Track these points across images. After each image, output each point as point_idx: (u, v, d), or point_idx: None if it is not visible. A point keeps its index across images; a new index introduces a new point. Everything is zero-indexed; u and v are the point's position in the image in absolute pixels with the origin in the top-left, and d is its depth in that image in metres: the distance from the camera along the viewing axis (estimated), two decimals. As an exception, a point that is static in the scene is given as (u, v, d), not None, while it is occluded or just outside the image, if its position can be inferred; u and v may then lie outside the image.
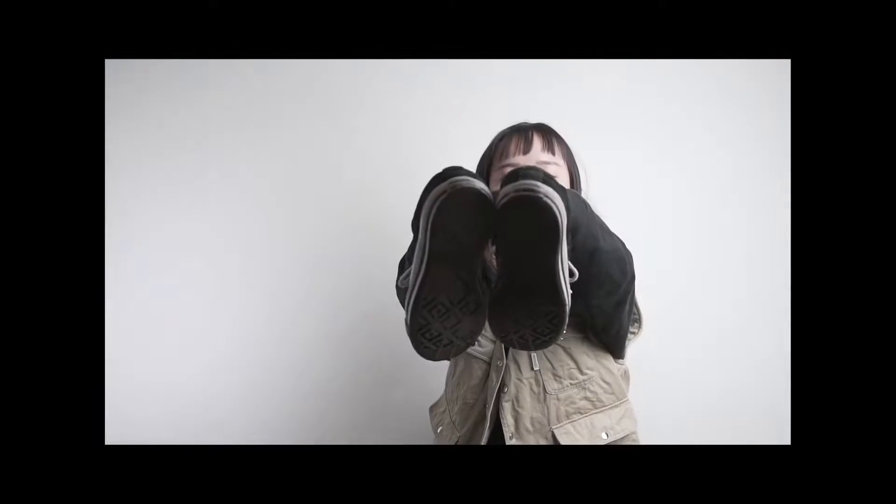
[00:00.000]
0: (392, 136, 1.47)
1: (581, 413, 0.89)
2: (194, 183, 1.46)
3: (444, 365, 1.07)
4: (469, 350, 0.96)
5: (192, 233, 1.44)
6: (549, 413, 0.89)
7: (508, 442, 0.88)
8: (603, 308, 0.86)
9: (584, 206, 0.74)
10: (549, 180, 0.62)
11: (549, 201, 0.60)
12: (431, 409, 1.07)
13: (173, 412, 1.38)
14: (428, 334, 0.70)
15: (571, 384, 0.90)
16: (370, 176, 1.46)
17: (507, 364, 0.91)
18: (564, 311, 0.66)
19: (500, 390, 0.91)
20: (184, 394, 1.39)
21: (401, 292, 0.75)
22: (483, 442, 0.90)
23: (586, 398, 0.90)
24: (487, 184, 0.85)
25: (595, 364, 0.92)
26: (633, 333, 0.97)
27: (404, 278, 0.69)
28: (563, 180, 0.96)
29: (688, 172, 1.44)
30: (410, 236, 0.72)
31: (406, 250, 0.80)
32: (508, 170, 0.94)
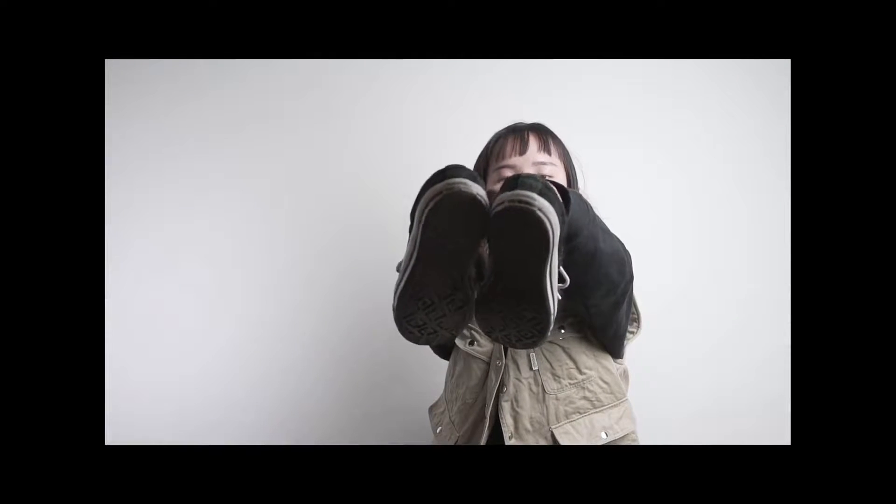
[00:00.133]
0: (391, 135, 1.47)
1: (580, 413, 0.89)
2: (194, 183, 1.46)
3: (444, 365, 1.07)
4: (468, 350, 0.97)
5: (192, 233, 1.44)
6: (548, 413, 0.89)
7: (508, 442, 0.88)
8: (600, 308, 0.86)
9: (587, 207, 0.74)
10: (546, 192, 0.61)
11: (542, 216, 0.59)
12: (431, 409, 1.07)
13: (173, 412, 1.38)
14: (413, 322, 0.71)
15: (570, 384, 0.90)
16: (370, 176, 1.46)
17: (506, 364, 0.91)
18: (549, 318, 0.66)
19: (500, 390, 0.91)
20: (184, 394, 1.39)
21: None
22: (482, 442, 0.90)
23: (585, 398, 0.90)
24: (485, 183, 0.85)
25: (594, 364, 0.92)
26: (632, 333, 0.97)
27: (398, 265, 0.70)
28: (560, 180, 0.96)
29: (688, 172, 1.44)
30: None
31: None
32: (506, 171, 0.94)
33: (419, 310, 0.69)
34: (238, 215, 1.46)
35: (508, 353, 0.92)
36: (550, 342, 0.91)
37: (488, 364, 0.94)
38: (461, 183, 0.61)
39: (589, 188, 1.04)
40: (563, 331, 0.92)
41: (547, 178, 0.93)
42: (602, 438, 0.88)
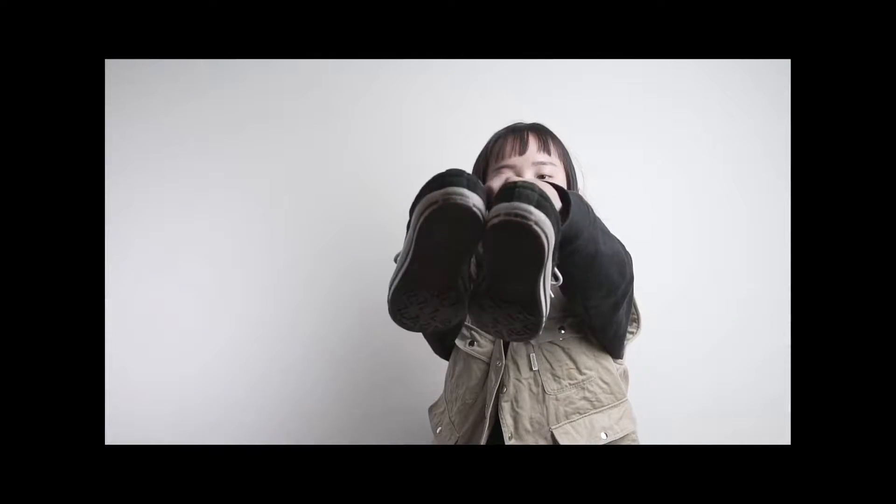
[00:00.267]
0: (391, 135, 1.47)
1: (580, 413, 0.89)
2: (194, 183, 1.46)
3: (443, 365, 1.07)
4: (468, 350, 0.97)
5: (192, 233, 1.44)
6: (548, 413, 0.89)
7: (507, 442, 0.88)
8: (600, 309, 0.86)
9: (587, 210, 0.74)
10: (542, 203, 0.61)
11: (538, 230, 0.59)
12: (431, 409, 1.07)
13: (173, 412, 1.38)
14: (406, 315, 0.72)
15: (570, 384, 0.90)
16: (370, 176, 1.46)
17: (506, 364, 0.91)
18: (541, 320, 0.67)
19: (500, 390, 0.91)
20: (184, 394, 1.39)
21: None
22: (482, 442, 0.90)
23: (585, 398, 0.90)
24: (484, 182, 0.85)
25: (594, 364, 0.92)
26: (632, 333, 0.97)
27: (396, 255, 0.70)
28: (560, 180, 0.96)
29: (688, 172, 1.44)
30: (410, 237, 0.72)
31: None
32: (506, 171, 0.94)
33: (413, 304, 0.70)
34: (238, 215, 1.46)
35: (508, 353, 0.92)
36: (550, 342, 0.91)
37: (488, 364, 0.94)
38: (458, 194, 0.61)
39: (589, 188, 1.04)
40: (562, 331, 0.92)
41: (547, 177, 0.94)
42: (602, 439, 0.88)
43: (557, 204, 0.67)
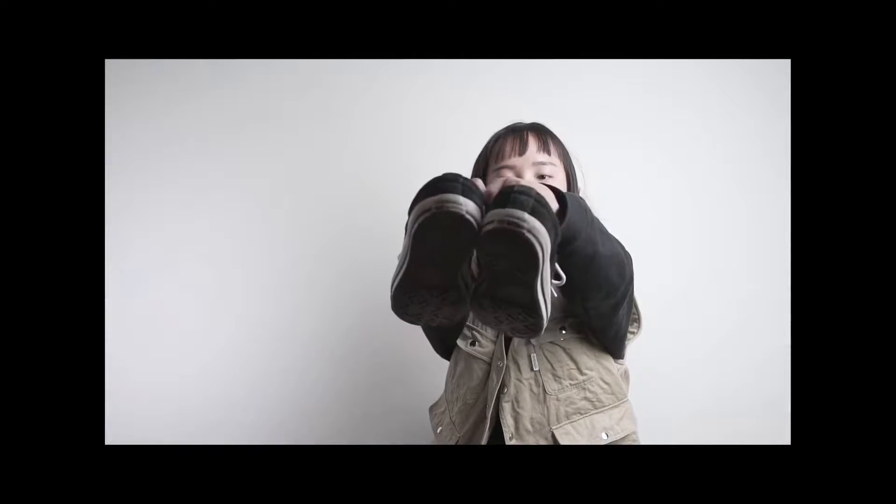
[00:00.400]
0: (391, 135, 1.47)
1: (581, 413, 0.89)
2: (194, 183, 1.46)
3: (444, 365, 1.07)
4: (469, 350, 0.97)
5: (192, 233, 1.44)
6: (548, 413, 0.89)
7: (508, 442, 0.88)
8: (600, 310, 0.86)
9: (585, 211, 0.74)
10: (538, 209, 0.61)
11: (531, 237, 0.59)
12: (431, 409, 1.07)
13: (173, 412, 1.38)
14: (408, 312, 0.72)
15: (571, 384, 0.90)
16: (370, 176, 1.46)
17: (507, 364, 0.91)
18: (541, 322, 0.66)
19: (500, 391, 0.91)
20: (184, 394, 1.39)
21: None
22: (483, 442, 0.90)
23: (586, 398, 0.90)
24: (484, 181, 0.85)
25: (595, 364, 0.92)
26: (633, 333, 0.97)
27: (399, 254, 0.70)
28: (560, 180, 0.96)
29: (688, 172, 1.44)
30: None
31: None
32: (505, 172, 0.94)
33: (413, 303, 0.70)
34: (238, 215, 1.46)
35: (510, 353, 0.92)
36: (551, 342, 0.91)
37: (489, 365, 0.94)
38: (451, 202, 0.61)
39: (589, 188, 1.04)
40: (563, 331, 0.92)
41: (546, 178, 0.94)
42: (603, 439, 0.88)
43: (554, 205, 0.67)
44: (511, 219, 0.59)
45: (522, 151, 0.95)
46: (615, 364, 0.95)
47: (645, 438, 0.97)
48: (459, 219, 0.61)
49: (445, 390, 1.04)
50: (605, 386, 0.92)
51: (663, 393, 1.32)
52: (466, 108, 1.46)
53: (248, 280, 1.43)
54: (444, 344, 1.04)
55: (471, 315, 0.98)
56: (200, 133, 1.48)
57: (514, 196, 0.61)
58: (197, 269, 1.43)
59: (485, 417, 0.91)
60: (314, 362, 1.41)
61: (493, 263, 0.65)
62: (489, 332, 0.97)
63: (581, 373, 0.91)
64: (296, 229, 1.45)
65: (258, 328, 1.42)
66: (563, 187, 0.95)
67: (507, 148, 0.97)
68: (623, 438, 0.91)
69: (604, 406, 0.91)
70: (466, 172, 0.92)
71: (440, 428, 1.01)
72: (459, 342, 1.00)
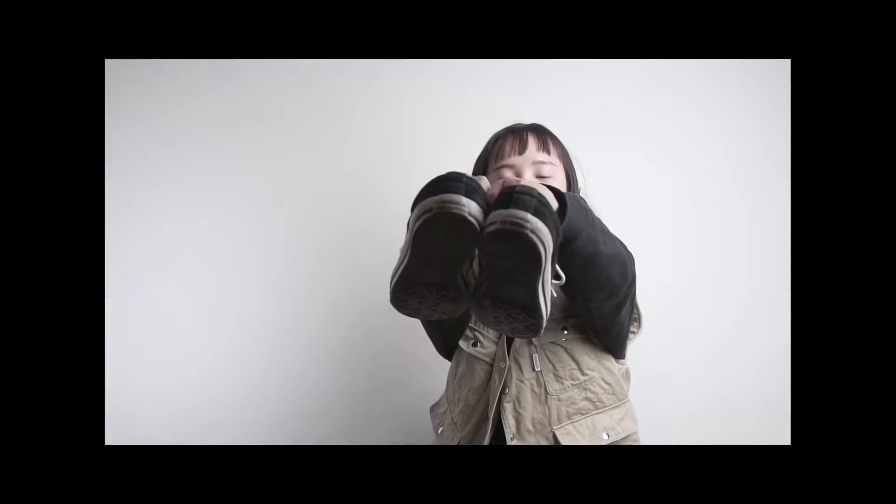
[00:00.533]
0: (391, 135, 1.47)
1: (582, 414, 0.89)
2: (194, 183, 1.46)
3: (445, 365, 1.07)
4: (471, 351, 0.97)
5: (192, 233, 1.44)
6: (550, 414, 0.89)
7: (509, 442, 0.88)
8: (602, 311, 0.86)
9: (585, 211, 0.74)
10: (540, 210, 0.61)
11: (534, 238, 0.59)
12: (432, 409, 1.07)
13: (173, 412, 1.38)
14: (407, 306, 0.72)
15: (573, 385, 0.90)
16: (370, 176, 1.46)
17: (509, 365, 0.91)
18: (541, 322, 0.67)
19: (502, 391, 0.91)
20: (184, 394, 1.39)
21: None
22: (485, 443, 0.90)
23: (587, 399, 0.90)
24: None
25: (596, 364, 0.92)
26: (633, 333, 0.97)
27: (400, 248, 0.70)
28: (560, 180, 0.96)
29: (688, 172, 1.44)
30: (411, 237, 0.72)
31: None
32: (505, 171, 0.94)
33: (412, 298, 0.70)
34: (238, 215, 1.46)
35: (511, 354, 0.92)
36: (553, 343, 0.91)
37: (491, 366, 0.94)
38: (453, 203, 0.61)
39: (589, 188, 1.04)
40: (565, 332, 0.92)
41: (546, 178, 0.94)
42: (604, 439, 0.88)
43: (554, 205, 0.67)
44: (514, 219, 0.59)
45: (522, 151, 0.95)
46: (616, 364, 0.95)
47: (645, 438, 0.97)
48: (461, 220, 0.61)
49: (447, 391, 1.04)
50: (606, 386, 0.92)
51: (663, 393, 1.32)
52: (466, 108, 1.46)
53: (248, 280, 1.43)
54: (446, 344, 1.04)
55: (472, 316, 0.98)
56: (200, 133, 1.48)
57: (516, 196, 0.61)
58: (197, 269, 1.43)
59: (486, 418, 0.91)
60: (314, 362, 1.41)
61: (494, 264, 0.65)
62: (491, 334, 0.97)
63: (583, 373, 0.91)
64: (296, 229, 1.45)
65: (258, 328, 1.42)
66: (562, 187, 0.95)
67: (507, 147, 0.97)
68: (624, 438, 0.91)
69: (605, 406, 0.91)
70: (467, 172, 0.92)
71: (441, 428, 1.00)
72: (461, 343, 1.00)
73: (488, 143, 1.02)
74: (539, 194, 0.62)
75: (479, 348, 0.96)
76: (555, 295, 0.68)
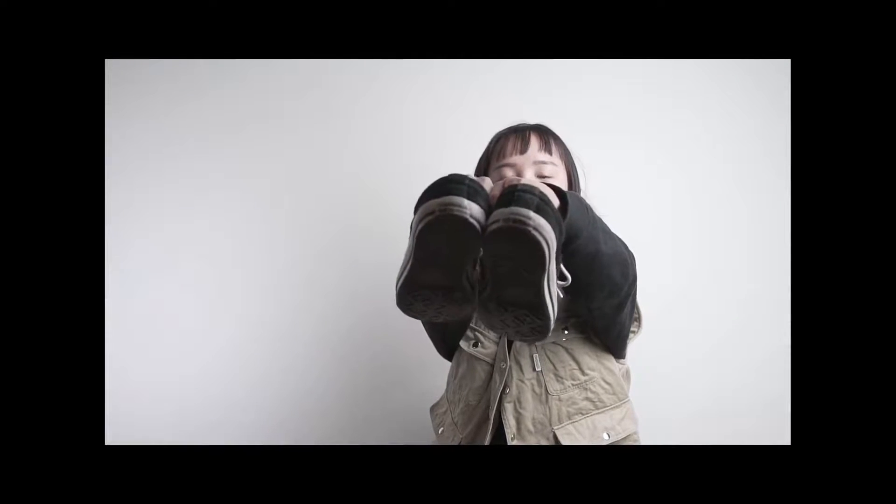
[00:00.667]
0: (391, 135, 1.47)
1: (582, 414, 0.89)
2: (194, 183, 1.46)
3: (445, 366, 1.07)
4: (472, 351, 0.97)
5: (192, 233, 1.44)
6: (550, 414, 0.89)
7: (510, 442, 0.88)
8: (604, 311, 0.86)
9: (586, 209, 0.74)
10: (542, 207, 0.61)
11: (537, 235, 0.59)
12: (432, 409, 1.07)
13: (173, 412, 1.38)
14: (413, 309, 0.72)
15: (573, 385, 0.90)
16: (370, 176, 1.46)
17: (509, 365, 0.91)
18: (548, 324, 0.66)
19: (503, 391, 0.91)
20: (184, 394, 1.39)
21: None
22: (486, 443, 0.90)
23: (588, 399, 0.90)
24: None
25: (597, 364, 0.92)
26: (634, 332, 0.97)
27: (406, 251, 0.70)
28: (561, 180, 0.96)
29: (688, 172, 1.44)
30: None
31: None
32: (507, 170, 0.94)
33: (417, 301, 0.70)
34: (238, 215, 1.46)
35: (512, 354, 0.92)
36: (553, 343, 0.91)
37: (492, 366, 0.94)
38: (455, 205, 0.61)
39: (590, 188, 1.04)
40: (566, 332, 0.92)
41: (547, 177, 0.94)
42: (604, 439, 0.88)
43: (555, 203, 0.67)
44: (516, 217, 0.59)
45: (524, 150, 0.95)
46: (616, 364, 0.95)
47: (645, 438, 0.97)
48: (463, 223, 0.61)
49: (447, 391, 1.04)
50: (606, 386, 0.92)
51: (663, 393, 1.32)
52: (466, 108, 1.46)
53: (248, 280, 1.43)
54: (446, 345, 1.04)
55: (474, 317, 0.98)
56: (200, 133, 1.48)
57: (518, 194, 0.61)
58: (197, 269, 1.43)
59: (487, 418, 0.91)
60: (314, 362, 1.41)
61: (498, 264, 0.64)
62: (492, 334, 0.97)
63: (583, 373, 0.91)
64: (296, 229, 1.45)
65: (258, 328, 1.42)
66: (564, 187, 0.95)
67: (509, 147, 0.97)
68: (624, 438, 0.91)
69: (605, 406, 0.91)
70: (467, 172, 0.92)
71: (442, 428, 1.00)
72: (462, 343, 1.00)
73: (490, 143, 1.02)
74: (541, 192, 0.62)
75: (479, 349, 0.96)
76: (561, 297, 0.68)
